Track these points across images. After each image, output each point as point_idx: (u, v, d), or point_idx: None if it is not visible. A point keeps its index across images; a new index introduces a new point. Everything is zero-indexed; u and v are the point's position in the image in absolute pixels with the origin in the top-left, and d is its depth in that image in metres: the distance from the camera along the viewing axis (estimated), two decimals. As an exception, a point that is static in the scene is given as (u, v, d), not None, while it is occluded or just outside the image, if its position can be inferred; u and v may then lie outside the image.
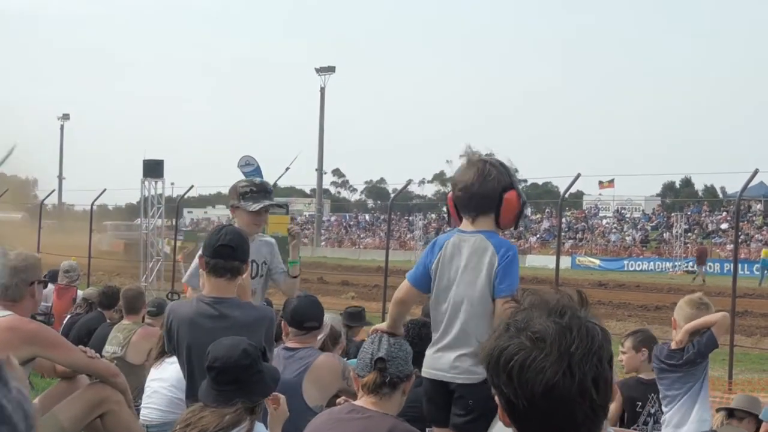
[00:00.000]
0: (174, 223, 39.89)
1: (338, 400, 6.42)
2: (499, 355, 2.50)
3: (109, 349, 9.42)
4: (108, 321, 10.86)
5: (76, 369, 6.75)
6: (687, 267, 59.62)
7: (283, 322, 6.92)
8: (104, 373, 6.77)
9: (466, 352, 4.88)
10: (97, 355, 6.95)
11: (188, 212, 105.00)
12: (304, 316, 6.87)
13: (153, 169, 36.41)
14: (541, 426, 2.49)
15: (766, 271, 52.39)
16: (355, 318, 10.62)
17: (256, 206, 7.18)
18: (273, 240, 7.89)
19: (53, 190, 49.21)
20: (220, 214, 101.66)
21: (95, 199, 33.88)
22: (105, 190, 33.34)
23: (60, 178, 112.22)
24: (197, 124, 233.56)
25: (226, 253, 5.93)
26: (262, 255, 7.44)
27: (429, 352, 5.09)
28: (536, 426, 2.50)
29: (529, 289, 2.64)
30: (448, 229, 5.23)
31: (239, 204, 7.26)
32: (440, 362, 4.97)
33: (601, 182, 75.06)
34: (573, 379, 2.42)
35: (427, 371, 5.05)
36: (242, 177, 40.15)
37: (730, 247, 63.00)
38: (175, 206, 33.97)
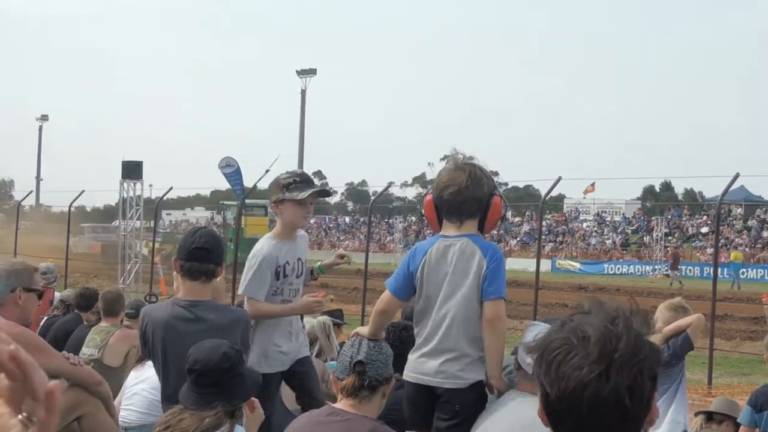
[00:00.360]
0: (152, 224, 39.85)
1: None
2: (545, 347, 2.56)
3: (86, 351, 9.38)
4: (85, 323, 10.81)
5: (58, 375, 6.70)
6: (666, 271, 59.78)
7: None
8: (87, 380, 6.70)
9: (453, 356, 4.88)
10: (81, 361, 6.91)
11: (167, 214, 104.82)
12: None
13: (132, 170, 36.42)
14: (571, 426, 2.53)
15: (734, 274, 52.70)
16: (332, 316, 10.66)
17: (303, 194, 6.80)
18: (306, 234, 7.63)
19: (30, 191, 49.01)
20: (199, 215, 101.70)
21: (73, 201, 33.86)
22: (83, 191, 33.33)
23: (38, 179, 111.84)
24: (177, 126, 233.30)
25: (201, 256, 5.90)
26: (302, 251, 7.11)
27: (413, 356, 5.08)
28: (567, 425, 2.54)
29: (593, 296, 2.74)
30: (429, 232, 5.23)
31: (284, 196, 6.87)
32: (425, 367, 4.96)
33: (588, 187, 75.23)
34: (607, 383, 2.46)
35: (411, 375, 5.04)
36: (224, 179, 40.15)
37: (710, 251, 63.22)
38: (154, 208, 33.89)
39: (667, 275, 56.10)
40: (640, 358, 2.50)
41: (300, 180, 6.91)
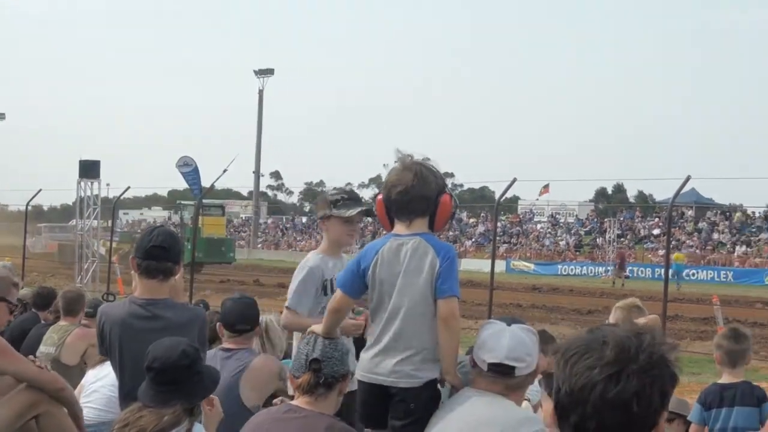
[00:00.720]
0: (110, 224, 39.64)
1: (275, 401, 6.42)
2: (567, 346, 2.65)
3: (43, 349, 9.33)
4: (43, 322, 10.74)
5: (21, 379, 6.63)
6: (612, 272, 60.02)
7: (218, 324, 6.91)
8: (51, 385, 6.62)
9: (407, 355, 4.87)
10: (47, 366, 6.84)
11: (124, 214, 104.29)
12: (236, 319, 6.87)
13: (89, 169, 36.20)
14: (575, 422, 2.59)
15: (676, 274, 53.05)
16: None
17: (351, 212, 6.76)
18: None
19: (-13, 190, 48.56)
20: (156, 215, 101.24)
21: (30, 200, 33.54)
22: (40, 190, 33.01)
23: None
24: (135, 125, 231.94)
25: (158, 255, 5.91)
26: None
27: (366, 355, 5.06)
28: (571, 421, 2.60)
29: (634, 323, 2.87)
30: (384, 233, 5.21)
31: (332, 213, 6.82)
32: (379, 367, 4.94)
33: (543, 187, 75.52)
34: (615, 387, 2.53)
35: (363, 375, 5.02)
36: (182, 178, 39.92)
37: (662, 252, 63.62)
38: (111, 207, 33.70)
39: (619, 276, 56.30)
40: (654, 373, 2.56)
41: (348, 197, 6.89)
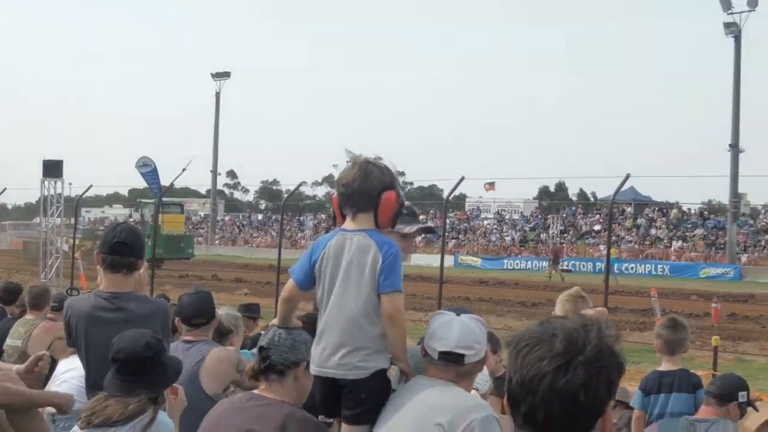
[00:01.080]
0: (73, 221, 39.40)
1: (227, 392, 6.45)
2: (519, 338, 2.65)
3: (10, 342, 9.30)
4: (9, 316, 10.69)
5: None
6: (562, 266, 60.35)
7: (177, 318, 6.91)
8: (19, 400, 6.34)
9: (351, 349, 4.85)
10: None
11: (86, 212, 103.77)
12: (193, 314, 6.88)
13: (52, 169, 35.94)
14: (525, 411, 2.60)
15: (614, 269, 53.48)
16: (250, 310, 10.68)
17: (411, 228, 6.13)
18: None
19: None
20: (117, 213, 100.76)
21: (-5, 199, 33.26)
22: (5, 189, 32.72)
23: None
24: (96, 126, 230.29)
25: (122, 250, 5.92)
26: None
27: (315, 350, 5.05)
28: (522, 410, 2.60)
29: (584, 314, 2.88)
30: (335, 228, 5.20)
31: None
32: (328, 360, 4.92)
33: (488, 184, 75.77)
34: (563, 377, 2.53)
35: (315, 369, 5.02)
36: (140, 177, 39.65)
37: (602, 247, 64.08)
38: (74, 205, 33.46)
39: (564, 270, 56.62)
40: (601, 364, 2.57)
41: (407, 213, 6.37)
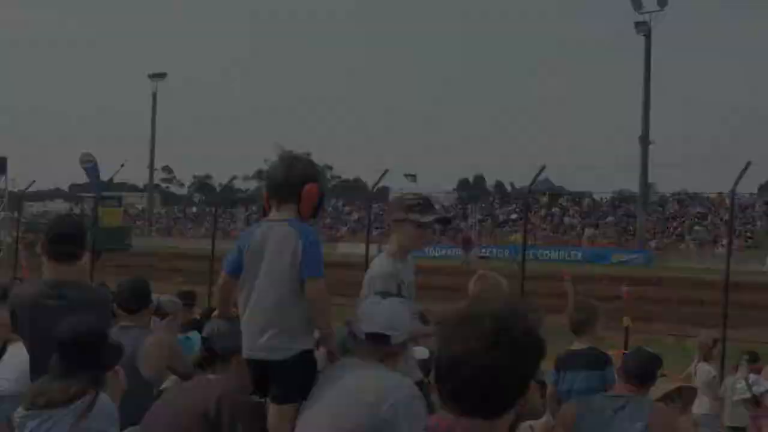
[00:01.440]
0: (16, 215, 38.96)
1: (164, 376, 6.49)
2: (445, 318, 2.65)
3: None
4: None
5: None
6: (481, 253, 60.64)
7: (114, 304, 6.90)
8: None
9: (276, 332, 4.85)
10: None
11: (29, 206, 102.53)
12: (129, 300, 6.90)
13: (-3, 165, 35.54)
14: (451, 389, 2.60)
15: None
16: (186, 297, 10.66)
17: (427, 218, 6.24)
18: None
19: None
20: (58, 207, 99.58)
21: (-61, 193, 32.77)
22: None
23: None
24: (41, 123, 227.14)
25: (66, 240, 5.93)
26: (410, 273, 6.46)
27: (244, 334, 5.06)
28: (448, 388, 2.60)
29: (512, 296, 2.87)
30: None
31: (407, 216, 6.24)
32: (255, 343, 4.93)
33: (407, 175, 76.11)
34: (487, 356, 2.53)
35: (245, 352, 5.04)
36: (83, 173, 39.24)
37: (518, 234, 64.60)
38: (18, 200, 33.11)
39: (481, 257, 56.92)
40: (525, 344, 2.58)
41: (424, 204, 6.32)
